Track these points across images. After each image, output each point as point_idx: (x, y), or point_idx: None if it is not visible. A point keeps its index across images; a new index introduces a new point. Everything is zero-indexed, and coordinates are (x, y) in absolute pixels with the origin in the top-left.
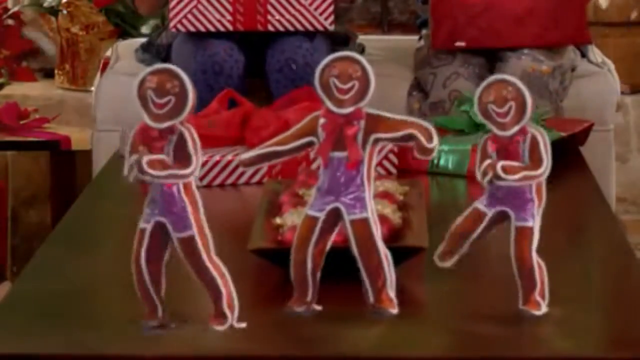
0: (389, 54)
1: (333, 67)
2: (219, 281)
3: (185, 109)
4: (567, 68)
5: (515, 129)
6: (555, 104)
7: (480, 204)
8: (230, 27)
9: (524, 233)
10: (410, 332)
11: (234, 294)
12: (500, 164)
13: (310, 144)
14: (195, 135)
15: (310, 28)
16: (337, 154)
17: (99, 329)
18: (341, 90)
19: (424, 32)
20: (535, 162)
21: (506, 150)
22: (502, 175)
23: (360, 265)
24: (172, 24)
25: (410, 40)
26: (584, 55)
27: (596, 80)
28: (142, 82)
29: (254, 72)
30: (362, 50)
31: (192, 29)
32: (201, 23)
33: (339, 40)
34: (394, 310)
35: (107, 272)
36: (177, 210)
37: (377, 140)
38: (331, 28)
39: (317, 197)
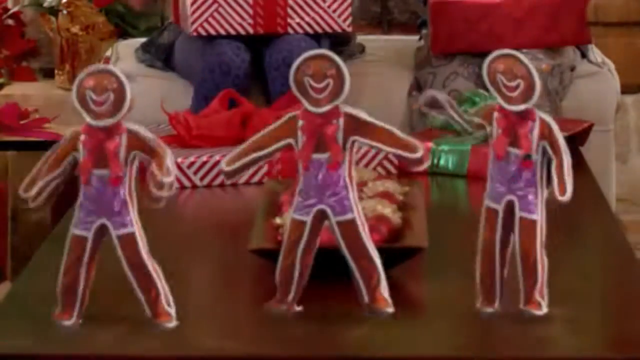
0: (389, 54)
1: (307, 66)
2: None
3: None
4: (566, 67)
5: (522, 107)
6: (554, 103)
7: (489, 202)
8: (251, 30)
9: (528, 225)
10: (410, 332)
11: None
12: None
13: (288, 146)
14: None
15: (329, 30)
16: (318, 156)
17: (98, 329)
18: (316, 90)
19: (424, 32)
20: (557, 150)
21: (515, 132)
22: (562, 199)
23: (352, 266)
24: (192, 29)
25: (410, 40)
26: (584, 55)
27: (596, 80)
28: (80, 84)
29: (255, 71)
30: (362, 49)
31: (213, 32)
32: (222, 27)
33: (338, 39)
34: (390, 309)
35: (107, 272)
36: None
37: (354, 142)
38: (349, 29)
39: (299, 199)
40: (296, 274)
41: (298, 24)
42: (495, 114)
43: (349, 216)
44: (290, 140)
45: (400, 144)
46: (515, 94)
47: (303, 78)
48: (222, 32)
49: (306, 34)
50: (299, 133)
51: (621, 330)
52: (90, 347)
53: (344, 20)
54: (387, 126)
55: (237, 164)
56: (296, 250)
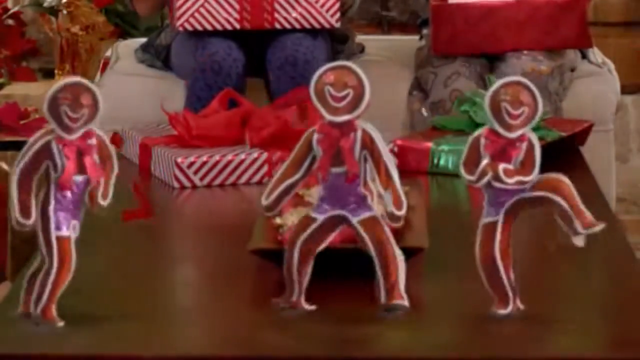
0: (389, 54)
1: (328, 75)
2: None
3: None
4: (567, 68)
5: (519, 132)
6: (554, 104)
7: (487, 218)
8: (238, 26)
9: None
10: (410, 332)
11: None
12: (502, 166)
13: (314, 160)
14: (106, 145)
15: (317, 25)
16: (335, 170)
17: (98, 328)
18: (336, 98)
19: (424, 31)
20: (528, 168)
21: (504, 152)
22: (504, 178)
23: (375, 262)
24: (178, 23)
25: (410, 40)
26: (584, 55)
27: (596, 80)
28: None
29: (255, 70)
30: (361, 49)
31: (199, 27)
32: (208, 22)
33: (338, 38)
34: (406, 303)
35: (106, 272)
36: None
37: (366, 158)
38: (337, 25)
39: (320, 204)
40: (294, 268)
41: (285, 19)
42: (482, 141)
43: (371, 213)
44: (314, 154)
45: (394, 193)
46: (517, 121)
47: (323, 87)
48: (209, 27)
49: (294, 29)
50: (316, 146)
51: (621, 330)
52: (90, 346)
53: (332, 16)
54: (391, 167)
55: (274, 195)
56: (296, 242)
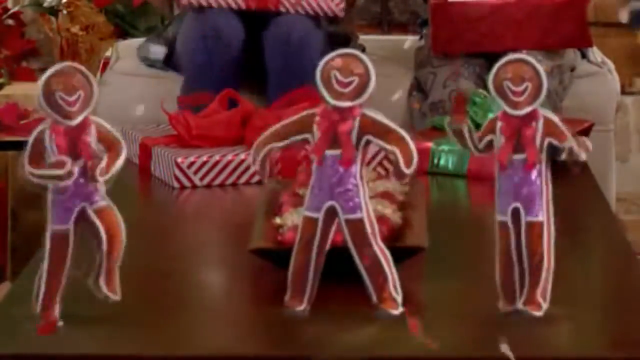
0: (389, 54)
1: (336, 60)
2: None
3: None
4: (566, 68)
5: (528, 109)
6: (554, 104)
7: (500, 216)
8: (243, 6)
9: (534, 227)
10: (408, 332)
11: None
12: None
13: (304, 141)
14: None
15: (320, 13)
16: (331, 152)
17: (99, 328)
18: (341, 84)
19: (424, 31)
20: (563, 139)
21: (520, 134)
22: (577, 151)
23: (358, 265)
24: None
25: (411, 41)
26: (584, 55)
27: (596, 80)
28: (47, 83)
29: (254, 73)
30: (362, 50)
31: (204, 3)
32: None
33: (339, 40)
34: (396, 311)
35: None
36: None
37: (368, 142)
38: (341, 14)
39: (311, 196)
40: (311, 273)
41: (289, 2)
42: (499, 123)
43: (357, 215)
44: (307, 136)
45: (405, 152)
46: (522, 98)
47: (330, 71)
48: (214, 4)
49: (297, 13)
50: (315, 128)
51: (621, 330)
52: (91, 346)
53: (337, 5)
54: (401, 131)
55: (260, 156)
56: (310, 248)
